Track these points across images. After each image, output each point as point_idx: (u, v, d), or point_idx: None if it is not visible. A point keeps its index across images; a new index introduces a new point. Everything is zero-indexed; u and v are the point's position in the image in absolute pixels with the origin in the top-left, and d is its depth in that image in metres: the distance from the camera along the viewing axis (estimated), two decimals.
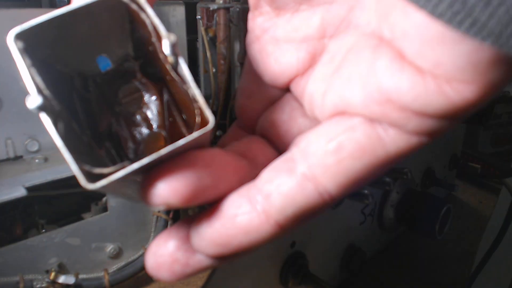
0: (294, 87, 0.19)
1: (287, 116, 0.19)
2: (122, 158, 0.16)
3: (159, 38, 0.14)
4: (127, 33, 0.16)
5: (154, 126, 0.17)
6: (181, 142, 0.13)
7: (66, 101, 0.14)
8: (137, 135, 0.17)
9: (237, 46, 0.55)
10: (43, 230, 0.40)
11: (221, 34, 0.54)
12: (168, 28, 0.69)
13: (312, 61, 0.18)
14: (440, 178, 0.59)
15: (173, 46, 0.13)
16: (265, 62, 0.19)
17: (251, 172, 0.17)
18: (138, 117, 0.17)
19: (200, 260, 0.16)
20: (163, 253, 0.16)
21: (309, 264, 0.38)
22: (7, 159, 0.38)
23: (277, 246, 0.36)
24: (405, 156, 0.15)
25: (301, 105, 0.19)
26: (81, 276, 0.39)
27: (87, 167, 0.13)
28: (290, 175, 0.15)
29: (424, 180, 0.56)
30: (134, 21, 0.15)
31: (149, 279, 0.43)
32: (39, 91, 0.13)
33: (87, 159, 0.13)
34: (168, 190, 0.14)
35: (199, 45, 0.63)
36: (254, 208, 0.15)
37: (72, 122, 0.14)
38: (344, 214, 0.42)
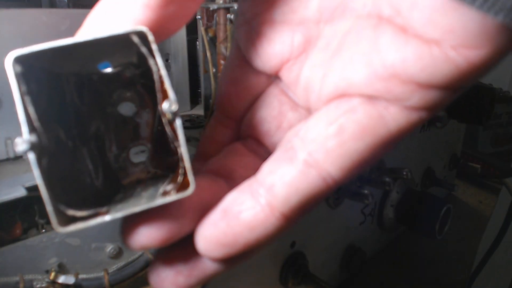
0: (285, 74, 0.18)
1: (276, 111, 0.19)
2: (104, 159, 0.16)
3: (163, 91, 0.14)
4: (134, 51, 0.15)
5: (142, 135, 0.17)
6: (157, 203, 0.13)
7: (58, 103, 0.14)
8: (123, 142, 0.17)
9: None
10: (43, 230, 0.40)
11: (221, 34, 0.54)
12: None
13: (306, 46, 0.18)
14: (440, 178, 0.59)
15: (174, 113, 0.13)
16: (257, 44, 0.18)
17: (229, 190, 0.16)
18: (128, 123, 0.17)
19: (204, 268, 0.16)
20: (165, 267, 0.16)
21: (309, 264, 0.38)
22: (7, 159, 0.38)
23: (277, 246, 0.36)
24: (406, 133, 0.15)
25: (289, 98, 0.19)
26: (81, 276, 0.39)
27: (62, 207, 0.13)
28: (291, 163, 0.15)
29: (424, 180, 0.56)
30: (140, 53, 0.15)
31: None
32: (30, 124, 0.12)
33: (67, 178, 0.14)
34: (146, 238, 0.14)
35: (199, 45, 0.63)
36: (257, 202, 0.15)
37: (59, 132, 0.14)
38: (344, 214, 0.42)
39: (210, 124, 0.21)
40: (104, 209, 0.13)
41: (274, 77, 0.19)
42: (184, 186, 0.14)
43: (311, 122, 0.15)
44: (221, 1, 0.53)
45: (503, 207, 0.70)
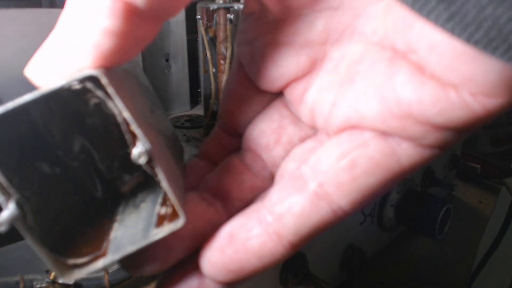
0: (289, 92, 0.18)
1: (276, 125, 0.19)
2: (96, 168, 0.16)
3: (131, 133, 0.13)
4: None
5: (129, 141, 0.16)
6: (149, 240, 0.13)
7: (33, 137, 0.14)
8: (112, 151, 0.16)
9: None
10: None
11: (221, 34, 0.54)
12: (168, 28, 0.69)
13: (312, 66, 0.17)
14: (440, 178, 0.59)
15: (148, 156, 0.12)
16: (261, 65, 0.18)
17: (226, 212, 0.17)
18: (111, 130, 0.16)
19: None
20: None
21: (309, 264, 0.38)
22: None
23: None
24: (418, 168, 0.15)
25: (290, 112, 0.19)
26: None
27: (61, 259, 0.13)
28: (301, 194, 0.14)
29: (424, 180, 0.56)
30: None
31: (148, 279, 0.43)
32: (5, 192, 0.12)
33: (60, 210, 0.14)
34: (138, 269, 0.14)
35: (199, 45, 0.63)
36: (266, 230, 0.15)
37: (42, 166, 0.14)
38: None
39: (215, 128, 0.21)
40: (101, 251, 0.13)
41: (278, 93, 0.19)
42: (175, 214, 0.14)
43: (322, 153, 0.15)
44: (221, 1, 0.53)
45: (503, 207, 0.70)
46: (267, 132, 0.19)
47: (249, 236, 0.15)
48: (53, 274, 0.37)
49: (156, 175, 0.13)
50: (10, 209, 0.12)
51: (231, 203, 0.17)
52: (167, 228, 0.13)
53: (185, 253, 0.15)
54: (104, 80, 0.12)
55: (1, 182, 0.12)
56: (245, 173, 0.19)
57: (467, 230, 0.60)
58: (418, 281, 0.49)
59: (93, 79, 0.12)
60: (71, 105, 0.15)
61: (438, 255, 0.54)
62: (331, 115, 0.16)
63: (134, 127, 0.12)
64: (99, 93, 0.12)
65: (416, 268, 0.51)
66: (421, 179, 0.56)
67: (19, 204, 0.12)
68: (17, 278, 0.36)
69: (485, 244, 0.66)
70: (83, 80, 0.12)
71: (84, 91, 0.14)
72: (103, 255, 0.13)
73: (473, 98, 0.12)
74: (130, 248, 0.13)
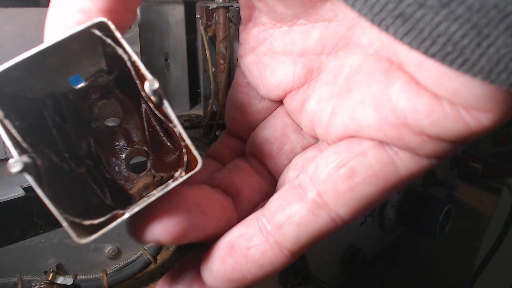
0: (288, 102, 0.19)
1: (279, 133, 0.19)
2: (104, 175, 0.16)
3: (140, 76, 0.14)
4: (100, 54, 0.15)
5: (135, 140, 0.17)
6: (171, 186, 0.14)
7: (41, 129, 0.14)
8: (118, 152, 0.17)
9: (236, 46, 0.55)
10: (42, 231, 0.40)
11: (220, 34, 0.54)
12: (167, 27, 0.69)
13: (307, 76, 0.18)
14: (441, 178, 0.58)
15: (155, 91, 0.13)
16: (261, 74, 0.19)
17: (237, 210, 0.17)
18: (117, 132, 0.17)
19: None
20: None
21: (309, 265, 0.38)
22: (5, 159, 0.38)
23: None
24: (416, 177, 0.15)
25: (293, 121, 0.19)
26: (79, 277, 0.39)
27: (77, 220, 0.13)
28: (300, 202, 0.15)
29: (425, 180, 0.56)
30: (107, 45, 0.14)
31: (147, 280, 0.42)
32: (18, 146, 0.12)
33: (73, 197, 0.14)
34: (161, 230, 0.14)
35: (199, 44, 0.63)
36: (266, 239, 0.15)
37: (51, 155, 0.14)
38: None
39: (222, 135, 0.22)
40: (120, 211, 0.14)
41: (278, 102, 0.20)
42: (191, 162, 0.14)
43: (320, 161, 0.15)
44: (220, 0, 0.53)
45: (505, 208, 0.70)
46: (270, 140, 0.19)
47: (250, 245, 0.15)
48: (51, 275, 0.37)
49: (170, 120, 0.13)
50: (23, 158, 0.12)
51: (242, 202, 0.17)
52: (187, 175, 0.14)
53: (203, 227, 0.15)
54: (112, 26, 0.13)
55: (16, 136, 0.12)
56: (254, 176, 0.19)
57: (468, 231, 0.60)
58: (419, 282, 0.49)
59: (101, 26, 0.13)
60: (77, 107, 0.16)
61: (439, 256, 0.54)
62: (330, 125, 0.16)
63: (143, 69, 0.13)
64: (109, 40, 0.13)
65: (416, 269, 0.51)
66: (422, 179, 0.56)
67: (32, 159, 0.12)
68: (15, 279, 0.36)
69: (486, 245, 0.66)
70: (92, 26, 0.13)
71: (90, 91, 0.15)
72: (122, 214, 0.13)
73: (466, 112, 0.12)
74: (149, 199, 0.13)
